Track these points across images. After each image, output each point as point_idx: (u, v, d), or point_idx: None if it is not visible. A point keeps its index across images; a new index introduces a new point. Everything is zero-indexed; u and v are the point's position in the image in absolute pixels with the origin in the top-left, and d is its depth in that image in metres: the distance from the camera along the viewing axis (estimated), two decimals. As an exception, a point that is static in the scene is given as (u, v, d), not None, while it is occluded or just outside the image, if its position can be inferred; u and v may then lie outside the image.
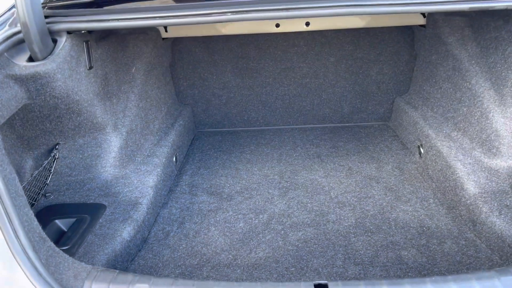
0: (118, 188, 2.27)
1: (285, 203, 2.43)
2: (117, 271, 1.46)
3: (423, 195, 2.44)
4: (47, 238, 1.51)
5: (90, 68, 2.13)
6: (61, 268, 1.45)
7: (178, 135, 3.00)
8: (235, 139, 3.38)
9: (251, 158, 3.02)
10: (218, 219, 2.31)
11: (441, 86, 2.73)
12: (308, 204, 2.41)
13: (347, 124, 3.52)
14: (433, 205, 2.33)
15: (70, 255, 1.74)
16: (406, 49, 3.21)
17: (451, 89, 2.61)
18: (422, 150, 2.75)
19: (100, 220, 2.04)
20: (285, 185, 2.64)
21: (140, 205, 2.17)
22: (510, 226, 1.84)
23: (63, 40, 1.91)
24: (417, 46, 3.11)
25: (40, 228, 1.51)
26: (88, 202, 2.19)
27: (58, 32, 1.91)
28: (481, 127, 2.31)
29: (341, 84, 3.36)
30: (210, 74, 3.35)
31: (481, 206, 2.01)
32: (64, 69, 1.88)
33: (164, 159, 2.58)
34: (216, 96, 3.43)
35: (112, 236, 1.92)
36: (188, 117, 3.34)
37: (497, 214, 1.93)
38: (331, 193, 2.51)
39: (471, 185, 2.14)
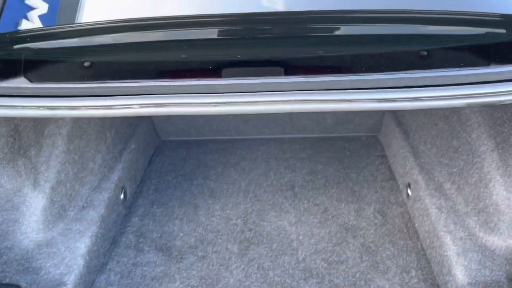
0: (40, 261, 1.91)
1: (243, 269, 2.08)
2: None
3: (405, 261, 2.07)
4: None
5: None
6: None
7: (129, 164, 2.58)
8: (201, 154, 2.97)
9: (214, 188, 2.63)
10: (161, 292, 1.98)
11: (437, 124, 2.27)
12: (270, 272, 2.06)
13: (330, 135, 3.09)
14: (415, 279, 1.98)
15: None
16: None
17: (447, 132, 2.16)
18: (409, 193, 2.35)
19: (12, 313, 1.71)
20: (247, 236, 2.27)
21: (64, 287, 1.83)
22: None
23: None
24: None
25: None
26: (2, 282, 1.84)
27: None
28: (478, 193, 1.90)
29: None
30: None
31: None
32: None
33: (103, 210, 2.19)
34: None
35: None
36: (145, 133, 2.89)
37: None
38: (299, 253, 2.15)
39: (459, 271, 1.78)
